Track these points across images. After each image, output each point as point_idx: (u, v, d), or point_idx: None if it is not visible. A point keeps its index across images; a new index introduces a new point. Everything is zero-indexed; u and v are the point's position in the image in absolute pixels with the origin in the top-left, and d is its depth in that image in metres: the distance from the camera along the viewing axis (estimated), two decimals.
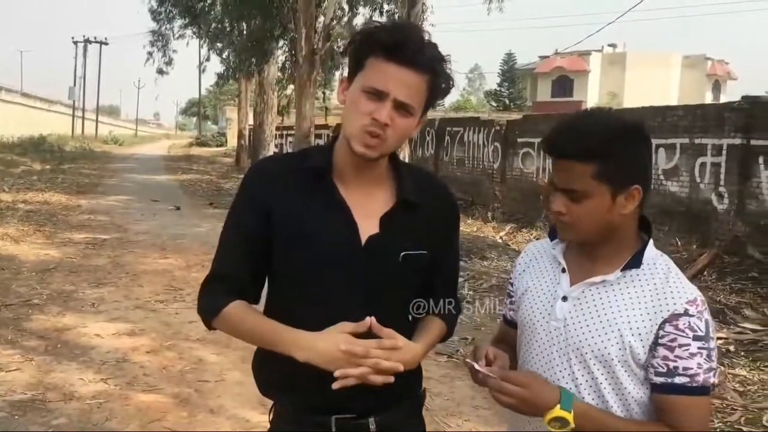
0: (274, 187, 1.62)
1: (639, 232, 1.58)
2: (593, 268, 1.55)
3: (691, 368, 1.44)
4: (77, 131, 53.52)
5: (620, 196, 1.48)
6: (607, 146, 1.46)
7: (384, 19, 18.26)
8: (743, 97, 9.58)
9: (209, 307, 1.65)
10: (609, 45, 53.16)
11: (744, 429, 4.25)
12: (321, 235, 1.58)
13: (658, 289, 1.49)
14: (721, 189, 9.28)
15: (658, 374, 1.47)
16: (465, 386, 4.87)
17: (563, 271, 1.60)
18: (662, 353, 1.46)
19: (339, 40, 21.29)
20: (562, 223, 1.54)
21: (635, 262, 1.52)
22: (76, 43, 61.40)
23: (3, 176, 18.53)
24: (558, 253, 1.62)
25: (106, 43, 63.57)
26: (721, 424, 4.31)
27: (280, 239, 1.60)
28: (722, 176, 9.27)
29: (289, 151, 28.73)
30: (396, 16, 15.01)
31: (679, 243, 9.22)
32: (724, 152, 9.25)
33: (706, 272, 8.43)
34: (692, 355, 1.45)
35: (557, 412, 1.34)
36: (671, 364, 1.45)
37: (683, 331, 1.45)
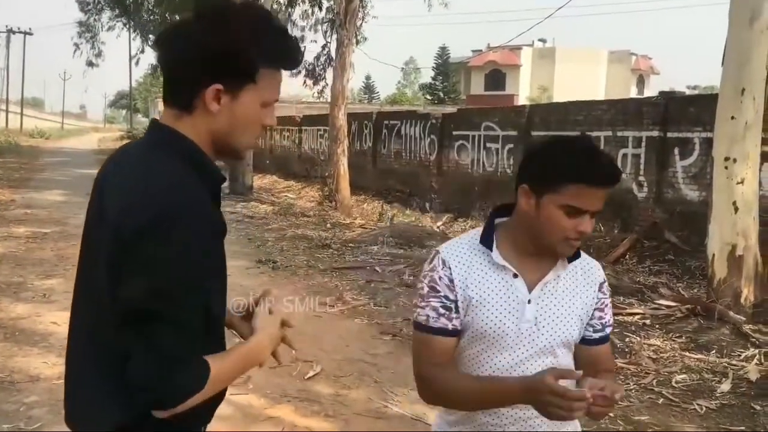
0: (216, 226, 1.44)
1: None
2: (539, 267, 1.76)
3: (611, 319, 1.84)
4: (1, 124, 51.68)
5: None
6: None
7: (323, 15, 18.47)
8: (660, 93, 10.32)
9: None
10: (539, 40, 54.55)
11: (656, 389, 4.80)
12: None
13: (585, 267, 1.82)
14: (641, 178, 9.98)
15: (596, 331, 1.80)
16: (408, 361, 5.25)
17: (515, 276, 1.74)
18: (597, 314, 1.80)
19: None
20: (579, 242, 1.72)
21: (577, 253, 1.80)
22: None
23: None
24: (499, 259, 1.74)
25: (31, 34, 61.55)
26: (635, 386, 4.84)
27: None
28: (642, 166, 9.97)
29: None
30: (335, 11, 15.28)
31: (602, 229, 9.87)
32: (643, 144, 9.95)
33: (627, 255, 9.10)
34: (610, 309, 1.85)
35: None
36: (604, 320, 1.82)
37: (605, 293, 1.83)
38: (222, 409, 4.23)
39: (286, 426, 4.05)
